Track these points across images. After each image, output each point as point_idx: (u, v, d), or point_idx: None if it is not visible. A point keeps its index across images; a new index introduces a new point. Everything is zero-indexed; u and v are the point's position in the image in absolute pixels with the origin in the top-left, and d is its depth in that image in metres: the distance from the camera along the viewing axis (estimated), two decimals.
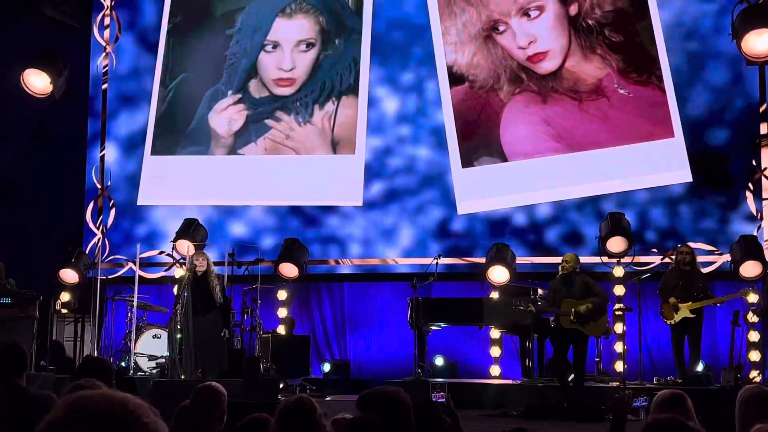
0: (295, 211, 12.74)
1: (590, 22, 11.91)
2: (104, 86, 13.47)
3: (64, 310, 12.29)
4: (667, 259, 11.17)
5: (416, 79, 12.59)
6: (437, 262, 11.20)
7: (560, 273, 9.84)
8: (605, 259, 10.83)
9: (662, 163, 11.67)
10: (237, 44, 13.18)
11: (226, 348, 10.64)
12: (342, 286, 12.82)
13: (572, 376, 9.67)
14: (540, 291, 10.94)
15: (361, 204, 12.49)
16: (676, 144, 11.58)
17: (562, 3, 12.01)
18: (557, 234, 11.94)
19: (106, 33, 13.53)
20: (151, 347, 11.33)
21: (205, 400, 4.57)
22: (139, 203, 13.12)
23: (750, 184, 11.36)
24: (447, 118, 12.35)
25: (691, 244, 10.78)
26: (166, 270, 12.67)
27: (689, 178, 11.56)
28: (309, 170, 12.66)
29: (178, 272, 11.55)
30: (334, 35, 12.97)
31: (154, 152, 13.18)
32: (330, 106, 12.75)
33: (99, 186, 13.24)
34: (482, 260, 11.66)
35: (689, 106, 11.66)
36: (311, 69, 12.91)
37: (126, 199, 13.22)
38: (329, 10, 13.03)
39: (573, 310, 9.56)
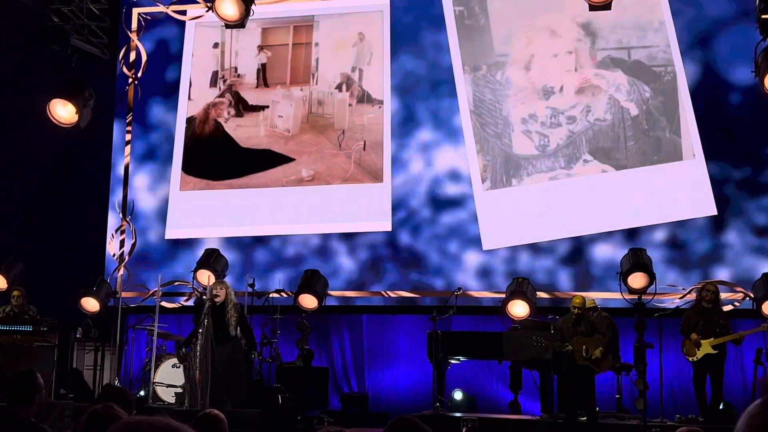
0: (318, 240, 12.75)
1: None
2: (129, 117, 13.61)
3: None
4: (688, 296, 11.06)
5: (439, 114, 12.68)
6: (457, 295, 11.15)
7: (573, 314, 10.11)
8: (626, 295, 10.69)
9: (685, 197, 11.63)
10: None
11: (245, 378, 10.62)
12: (361, 318, 12.78)
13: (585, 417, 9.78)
14: None
15: (390, 229, 12.49)
16: (700, 175, 11.54)
17: None
18: (577, 268, 11.88)
19: (132, 63, 13.68)
20: (170, 376, 11.34)
21: (206, 429, 4.55)
22: (166, 237, 13.18)
23: None
24: (470, 151, 12.37)
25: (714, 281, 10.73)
26: (186, 300, 12.70)
27: (714, 212, 11.50)
28: (336, 198, 12.68)
29: (198, 302, 11.56)
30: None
31: (180, 185, 13.25)
32: (359, 137, 12.80)
33: (122, 216, 13.32)
34: (502, 294, 11.58)
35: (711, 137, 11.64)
36: (341, 110, 13.01)
37: (149, 228, 13.29)
38: None
39: (584, 347, 9.82)
